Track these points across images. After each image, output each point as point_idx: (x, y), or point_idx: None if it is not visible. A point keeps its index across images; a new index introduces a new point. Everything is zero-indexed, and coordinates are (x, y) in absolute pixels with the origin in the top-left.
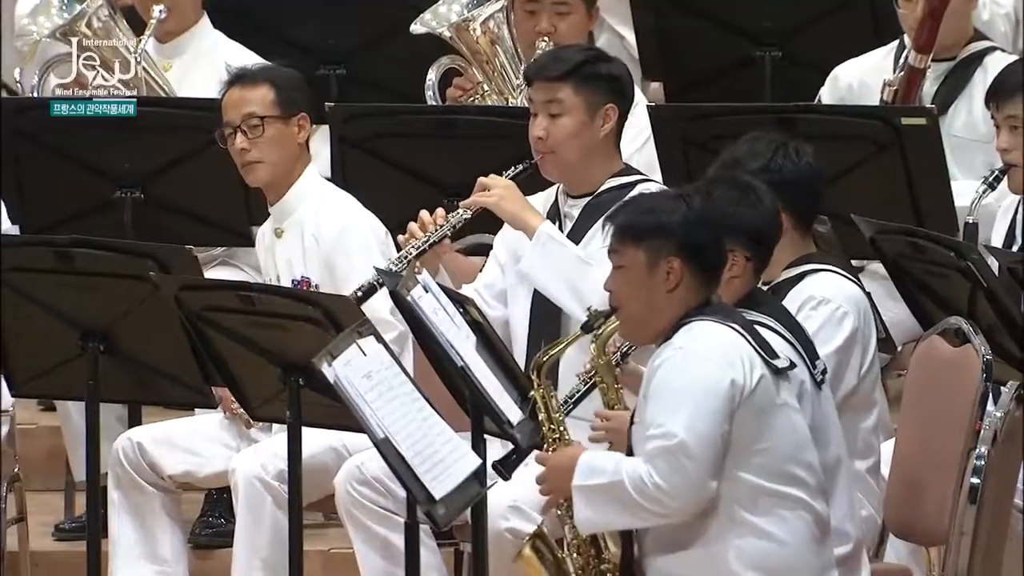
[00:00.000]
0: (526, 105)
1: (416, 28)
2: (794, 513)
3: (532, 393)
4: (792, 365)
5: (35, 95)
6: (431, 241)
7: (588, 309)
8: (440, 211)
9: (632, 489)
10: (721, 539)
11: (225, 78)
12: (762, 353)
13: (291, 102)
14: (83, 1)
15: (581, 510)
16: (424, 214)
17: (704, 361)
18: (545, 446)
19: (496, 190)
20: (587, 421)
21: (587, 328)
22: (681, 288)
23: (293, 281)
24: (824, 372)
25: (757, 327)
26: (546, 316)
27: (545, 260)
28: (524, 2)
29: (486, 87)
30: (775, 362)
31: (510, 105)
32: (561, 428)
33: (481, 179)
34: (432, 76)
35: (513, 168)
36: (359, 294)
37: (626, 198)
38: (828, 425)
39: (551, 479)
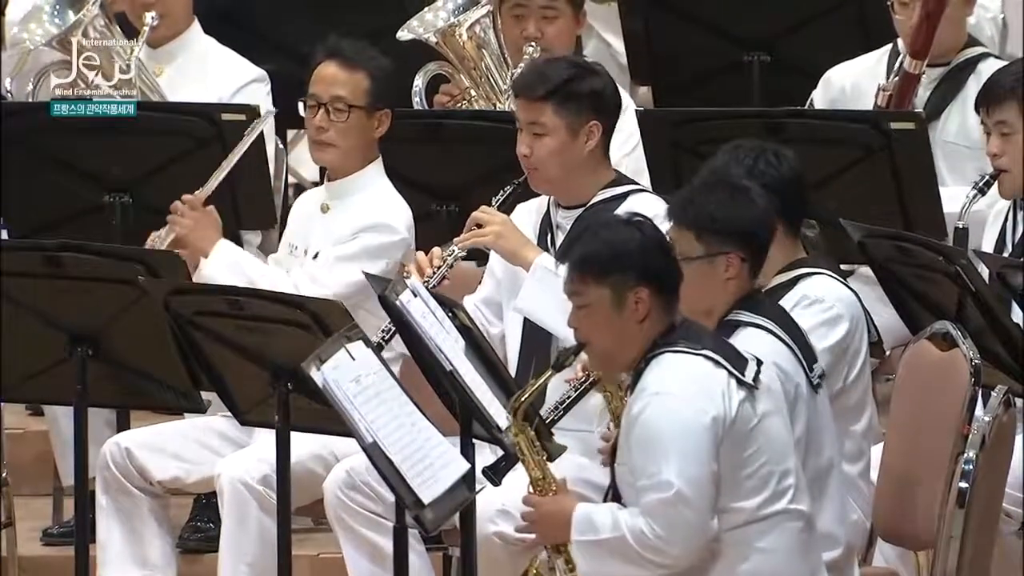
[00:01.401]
0: (514, 109)
1: (403, 35)
2: (781, 525)
3: (512, 437)
4: (759, 363)
5: (30, 101)
6: (432, 286)
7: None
8: (436, 251)
9: (635, 544)
10: (719, 568)
11: (215, 85)
12: (736, 374)
13: (380, 96)
14: (76, 8)
15: (584, 565)
16: (420, 256)
17: (683, 403)
18: (530, 489)
19: (492, 227)
20: (577, 431)
21: (558, 367)
22: (650, 316)
23: (316, 253)
24: (822, 376)
25: (753, 329)
26: (538, 333)
27: (543, 292)
28: (511, 7)
29: (473, 92)
30: (745, 376)
31: (498, 110)
32: (545, 470)
33: (475, 214)
34: (419, 82)
35: (502, 192)
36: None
37: (576, 232)
38: (823, 429)
39: (542, 525)
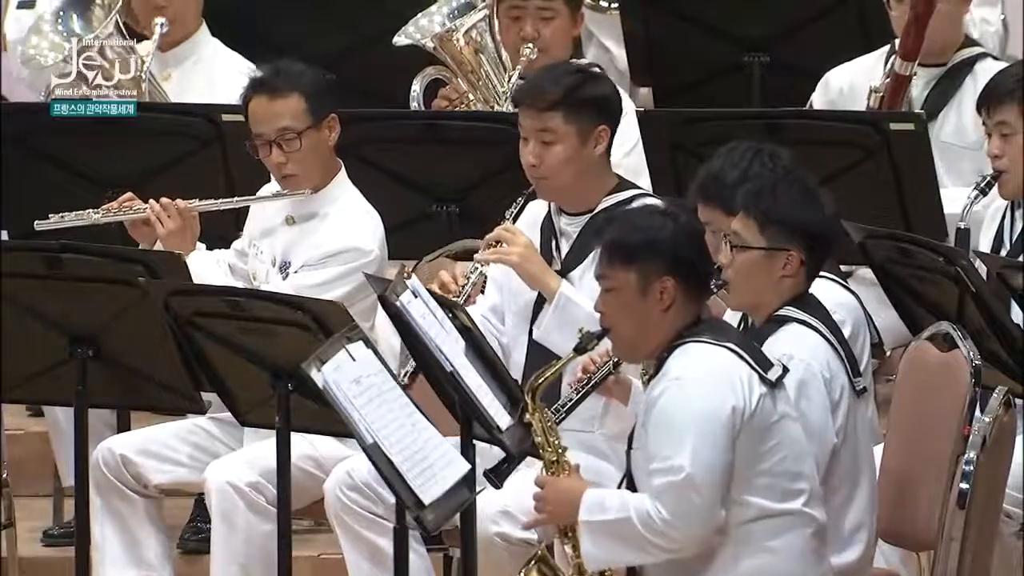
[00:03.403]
0: (513, 110)
1: (399, 40)
2: (793, 527)
3: (528, 417)
4: (785, 370)
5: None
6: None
7: (580, 330)
8: (458, 271)
9: (640, 525)
10: (723, 561)
11: (222, 89)
12: (758, 369)
13: (321, 107)
14: (82, 14)
15: (588, 547)
16: (444, 275)
17: (703, 390)
18: (543, 469)
19: (516, 249)
20: (579, 432)
21: (580, 350)
22: (674, 306)
23: (282, 263)
24: (864, 389)
25: (800, 326)
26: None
27: (564, 323)
28: (508, 8)
29: (471, 96)
30: (769, 374)
31: (497, 111)
32: (559, 451)
33: (497, 231)
34: (417, 87)
35: (514, 204)
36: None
37: (611, 216)
38: (860, 433)
39: (551, 504)
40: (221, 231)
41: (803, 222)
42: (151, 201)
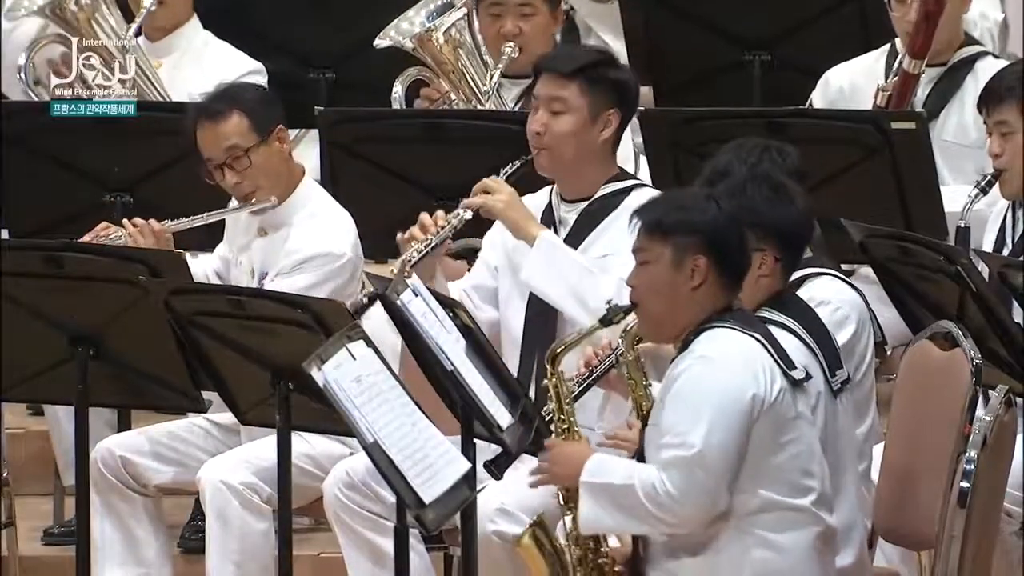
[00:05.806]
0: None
1: (380, 42)
2: (800, 524)
3: (545, 381)
4: (808, 376)
5: (22, 76)
6: (433, 244)
7: (607, 303)
8: (440, 213)
9: (643, 495)
10: (727, 549)
11: (213, 78)
12: (782, 365)
13: (265, 121)
14: None
15: (587, 508)
16: (424, 216)
17: (726, 372)
18: (554, 434)
19: (501, 195)
20: (578, 429)
21: (605, 322)
22: (705, 288)
23: (261, 274)
24: (845, 382)
25: (776, 328)
26: (542, 321)
27: (548, 266)
28: (488, 6)
29: (453, 96)
30: (793, 373)
31: (500, 109)
32: (571, 419)
33: (484, 181)
34: (398, 88)
35: (510, 165)
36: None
37: (656, 195)
38: (839, 435)
39: (556, 463)
40: (219, 227)
41: (774, 220)
42: (124, 221)
